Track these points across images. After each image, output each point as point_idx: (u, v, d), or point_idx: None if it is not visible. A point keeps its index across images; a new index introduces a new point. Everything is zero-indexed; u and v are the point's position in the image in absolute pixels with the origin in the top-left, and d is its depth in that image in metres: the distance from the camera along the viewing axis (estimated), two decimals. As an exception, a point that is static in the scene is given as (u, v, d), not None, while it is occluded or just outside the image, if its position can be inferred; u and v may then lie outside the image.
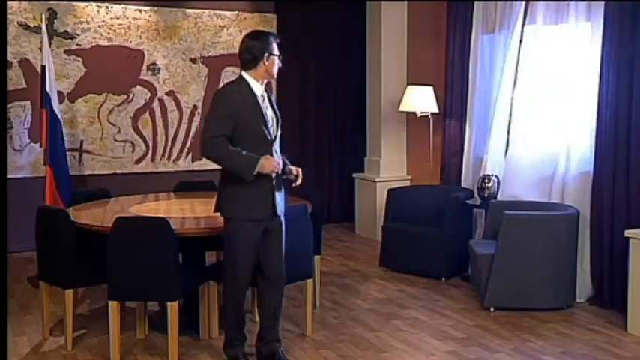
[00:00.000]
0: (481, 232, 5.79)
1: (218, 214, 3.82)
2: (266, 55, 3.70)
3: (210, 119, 3.78)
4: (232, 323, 3.90)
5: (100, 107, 7.10)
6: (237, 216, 3.70)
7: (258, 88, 3.76)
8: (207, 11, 7.49)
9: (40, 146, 6.34)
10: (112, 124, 7.16)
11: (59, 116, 6.00)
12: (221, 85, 7.41)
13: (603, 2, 4.86)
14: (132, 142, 7.26)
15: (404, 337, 4.42)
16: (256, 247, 3.74)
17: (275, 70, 3.78)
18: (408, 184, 7.21)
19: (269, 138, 3.74)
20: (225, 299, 3.85)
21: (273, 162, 3.66)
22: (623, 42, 4.72)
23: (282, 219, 3.85)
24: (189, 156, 7.53)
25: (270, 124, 3.76)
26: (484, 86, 5.97)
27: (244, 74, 3.76)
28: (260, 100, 3.75)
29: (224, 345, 3.93)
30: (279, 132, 3.84)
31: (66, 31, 6.87)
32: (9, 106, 6.61)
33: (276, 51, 3.75)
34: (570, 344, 4.27)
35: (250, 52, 3.71)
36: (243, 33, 7.46)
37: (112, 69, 7.08)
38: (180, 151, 7.49)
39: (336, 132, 8.20)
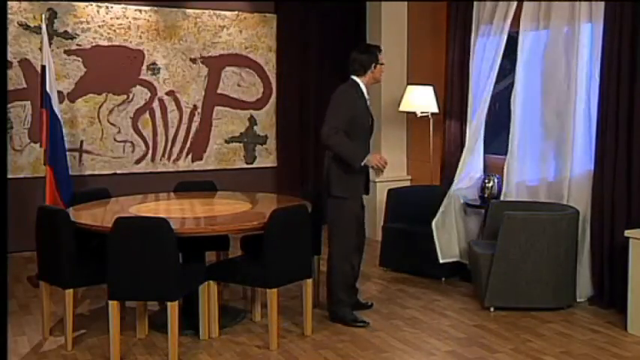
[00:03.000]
0: (476, 232, 5.82)
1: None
2: (374, 64, 4.51)
3: (332, 114, 4.43)
4: (348, 284, 4.66)
5: (100, 107, 7.10)
6: (347, 194, 4.53)
7: (366, 92, 4.55)
8: (207, 11, 7.49)
9: (40, 146, 6.34)
10: (112, 124, 7.16)
11: (59, 116, 6.00)
12: (221, 84, 7.56)
13: (603, 2, 4.87)
14: (132, 142, 7.26)
15: (404, 337, 4.43)
16: (358, 218, 4.66)
17: (381, 76, 4.65)
18: (408, 184, 7.21)
19: (369, 135, 4.63)
20: (339, 264, 4.59)
21: (379, 158, 4.49)
22: (624, 42, 4.72)
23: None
24: (189, 156, 7.53)
25: (370, 123, 4.61)
26: (484, 86, 5.96)
27: (355, 78, 4.52)
28: (368, 102, 4.57)
29: (331, 305, 4.63)
30: (373, 130, 4.73)
31: (66, 31, 6.87)
32: (9, 106, 6.61)
33: (382, 60, 4.56)
34: (570, 344, 4.27)
35: (360, 64, 4.51)
36: (243, 33, 7.67)
37: (112, 69, 7.08)
38: (180, 151, 7.49)
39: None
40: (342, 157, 4.44)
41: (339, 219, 4.58)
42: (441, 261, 5.57)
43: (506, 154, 5.65)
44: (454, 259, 5.66)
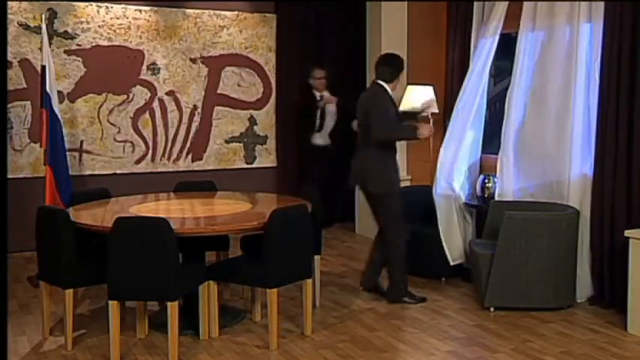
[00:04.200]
0: (470, 231, 5.83)
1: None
2: (397, 75, 5.15)
3: (382, 113, 4.97)
4: (405, 270, 5.13)
5: (100, 107, 7.10)
6: (393, 191, 5.12)
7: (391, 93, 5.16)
8: (207, 11, 7.49)
9: (40, 146, 6.34)
10: (112, 124, 7.16)
11: (59, 116, 6.00)
12: (221, 84, 7.55)
13: (603, 2, 4.87)
14: (132, 142, 7.26)
15: (404, 337, 4.43)
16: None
17: (399, 85, 5.34)
18: (408, 184, 7.20)
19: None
20: (398, 254, 5.07)
21: (429, 127, 5.13)
22: (624, 42, 4.72)
23: None
24: (189, 156, 7.54)
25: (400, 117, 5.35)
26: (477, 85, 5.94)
27: (382, 83, 5.09)
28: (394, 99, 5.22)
29: (392, 288, 5.11)
30: None
31: (66, 31, 6.88)
32: (9, 106, 6.61)
33: (403, 71, 5.24)
34: (570, 344, 4.27)
35: (387, 74, 5.11)
36: (243, 33, 7.67)
37: (112, 69, 7.08)
38: (180, 151, 7.49)
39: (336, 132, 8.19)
40: (403, 137, 5.44)
41: (392, 213, 5.08)
42: (452, 263, 5.61)
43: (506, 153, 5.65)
44: (463, 260, 5.66)
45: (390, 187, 5.12)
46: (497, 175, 5.70)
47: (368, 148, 5.07)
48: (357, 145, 5.23)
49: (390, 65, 5.14)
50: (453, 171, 5.86)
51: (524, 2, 5.50)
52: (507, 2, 5.56)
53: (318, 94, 7.51)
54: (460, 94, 5.89)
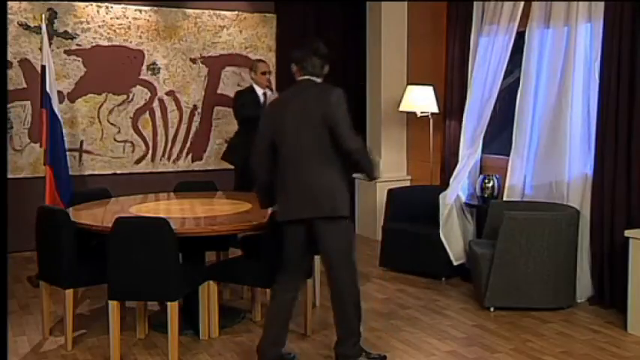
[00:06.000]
0: (471, 230, 5.83)
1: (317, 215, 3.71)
2: (326, 68, 3.97)
3: (347, 118, 3.72)
4: (360, 316, 3.87)
5: (100, 107, 7.10)
6: (348, 212, 3.78)
7: None
8: (207, 11, 7.49)
9: (40, 146, 6.34)
10: (112, 124, 7.16)
11: (59, 116, 6.00)
12: (221, 84, 7.55)
13: (603, 2, 4.87)
14: (132, 142, 7.26)
15: (404, 337, 4.43)
16: None
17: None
18: (408, 184, 7.21)
19: None
20: (355, 293, 3.81)
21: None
22: (624, 42, 4.72)
23: None
24: (189, 156, 7.53)
25: None
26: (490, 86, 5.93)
27: (316, 80, 3.91)
28: None
29: (352, 346, 3.83)
30: None
31: (66, 31, 6.87)
32: (9, 106, 6.61)
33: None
34: (570, 344, 4.27)
35: (317, 67, 3.89)
36: (243, 33, 7.66)
37: (112, 69, 7.08)
38: (180, 151, 7.49)
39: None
40: (365, 168, 3.83)
41: (350, 241, 3.84)
42: (455, 264, 5.61)
43: (508, 154, 5.65)
44: (464, 260, 5.66)
45: (348, 210, 3.79)
46: (500, 175, 5.70)
47: (320, 165, 3.71)
48: (285, 164, 3.77)
49: (320, 55, 3.89)
50: (465, 176, 5.87)
51: (527, 1, 5.50)
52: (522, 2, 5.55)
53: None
54: (472, 96, 5.88)
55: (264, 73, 6.47)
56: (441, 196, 5.70)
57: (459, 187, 5.82)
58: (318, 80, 3.88)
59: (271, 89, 6.53)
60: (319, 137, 3.69)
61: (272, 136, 3.79)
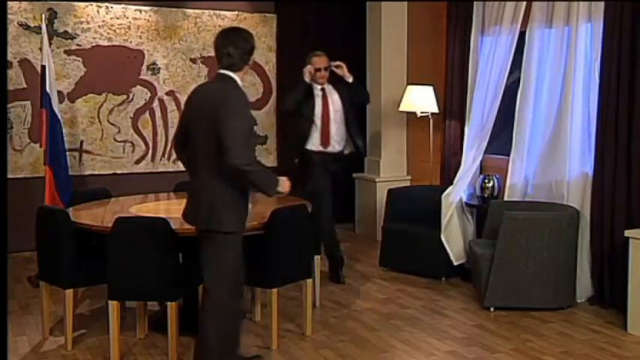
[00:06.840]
0: (471, 230, 5.83)
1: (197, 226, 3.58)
2: (247, 60, 3.55)
3: (245, 129, 3.39)
4: (239, 331, 3.74)
5: (100, 107, 7.09)
6: (237, 229, 3.50)
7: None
8: (207, 11, 7.49)
9: (40, 146, 6.34)
10: (112, 124, 7.15)
11: (59, 116, 6.00)
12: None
13: (603, 2, 4.87)
14: (132, 142, 7.26)
15: (404, 337, 4.42)
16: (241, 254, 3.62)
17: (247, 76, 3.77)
18: (408, 184, 7.21)
19: None
20: (232, 311, 3.62)
21: (288, 184, 3.59)
22: (624, 42, 4.72)
23: None
24: (189, 156, 7.52)
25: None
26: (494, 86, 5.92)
27: (231, 75, 3.51)
28: None
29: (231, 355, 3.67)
30: None
31: (66, 31, 6.87)
32: (9, 106, 6.60)
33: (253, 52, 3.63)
34: (570, 344, 4.27)
35: (236, 58, 3.50)
36: (243, 33, 7.62)
37: (112, 69, 7.08)
38: (181, 151, 7.48)
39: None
40: (258, 187, 3.50)
41: (230, 258, 3.53)
42: (455, 264, 5.61)
43: (508, 154, 5.64)
44: (465, 260, 5.66)
45: (241, 225, 3.56)
46: (500, 175, 5.70)
47: (208, 174, 3.45)
48: (191, 166, 3.61)
49: (238, 46, 3.46)
50: (470, 177, 5.87)
51: (528, 1, 5.50)
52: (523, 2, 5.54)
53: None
54: (477, 97, 5.87)
55: (318, 70, 5.70)
56: (443, 195, 5.70)
57: (463, 189, 5.82)
58: (233, 75, 3.46)
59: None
60: (210, 144, 3.36)
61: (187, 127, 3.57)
